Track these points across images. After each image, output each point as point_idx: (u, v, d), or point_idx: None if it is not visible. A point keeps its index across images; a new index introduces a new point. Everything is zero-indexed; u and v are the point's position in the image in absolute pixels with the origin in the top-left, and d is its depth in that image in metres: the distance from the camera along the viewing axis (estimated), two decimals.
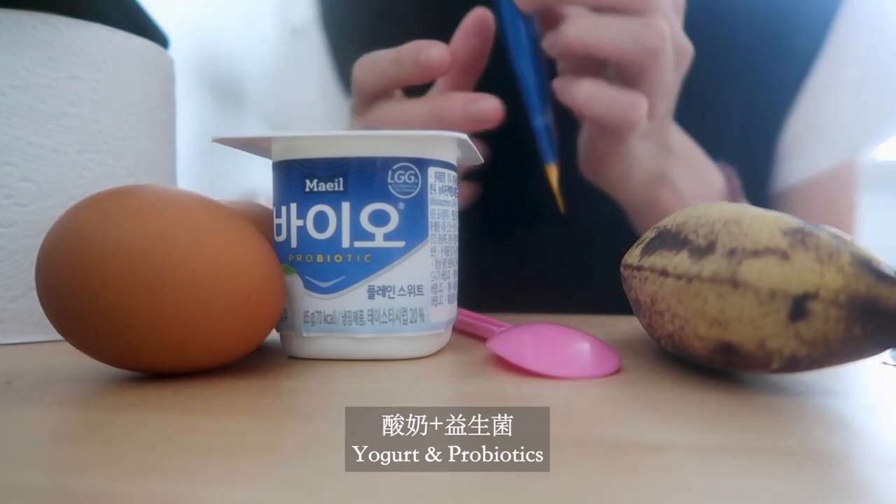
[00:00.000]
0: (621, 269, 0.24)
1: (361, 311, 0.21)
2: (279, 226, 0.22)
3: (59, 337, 0.18)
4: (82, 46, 0.28)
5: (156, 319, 0.17)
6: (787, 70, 0.43)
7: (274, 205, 0.22)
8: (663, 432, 0.14)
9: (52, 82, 0.27)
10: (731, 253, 0.17)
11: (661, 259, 0.20)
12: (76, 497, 0.10)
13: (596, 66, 0.31)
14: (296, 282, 0.21)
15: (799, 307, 0.15)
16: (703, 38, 0.35)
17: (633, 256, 0.23)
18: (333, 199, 0.21)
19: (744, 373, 0.20)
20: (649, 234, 0.23)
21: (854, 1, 0.43)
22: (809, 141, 0.45)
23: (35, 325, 0.27)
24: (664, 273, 0.19)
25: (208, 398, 0.17)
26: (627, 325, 0.32)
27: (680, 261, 0.19)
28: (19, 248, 0.27)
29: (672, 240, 0.20)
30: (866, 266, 0.15)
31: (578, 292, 0.43)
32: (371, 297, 0.21)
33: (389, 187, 0.21)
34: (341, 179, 0.21)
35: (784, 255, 0.16)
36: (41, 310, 0.18)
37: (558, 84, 0.30)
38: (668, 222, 0.22)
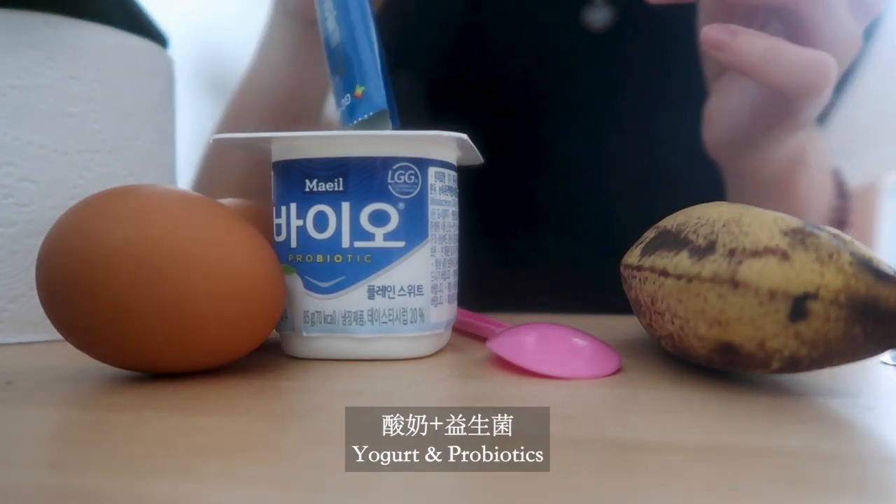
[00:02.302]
0: (621, 269, 0.24)
1: (361, 311, 0.21)
2: (279, 226, 0.22)
3: (59, 337, 0.18)
4: (82, 46, 0.28)
5: (156, 319, 0.17)
6: None
7: (274, 205, 0.22)
8: (663, 432, 0.14)
9: (52, 82, 0.27)
10: (732, 253, 0.17)
11: (661, 259, 0.20)
12: (76, 497, 0.10)
13: (748, 15, 0.26)
14: (296, 282, 0.21)
15: (799, 307, 0.15)
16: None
17: (633, 256, 0.23)
18: (333, 199, 0.21)
19: (744, 373, 0.20)
20: (649, 234, 0.23)
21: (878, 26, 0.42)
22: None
23: (35, 325, 0.27)
24: (664, 273, 0.19)
25: (208, 398, 0.17)
26: (627, 325, 0.32)
27: (680, 261, 0.19)
28: (19, 248, 0.27)
29: (672, 240, 0.20)
30: (866, 266, 0.15)
31: (578, 292, 0.43)
32: (371, 297, 0.21)
33: (389, 187, 0.21)
34: (341, 179, 0.21)
35: (784, 256, 0.16)
36: (41, 310, 0.18)
37: (715, 34, 0.24)
38: (667, 222, 0.22)
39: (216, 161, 0.52)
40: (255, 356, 0.23)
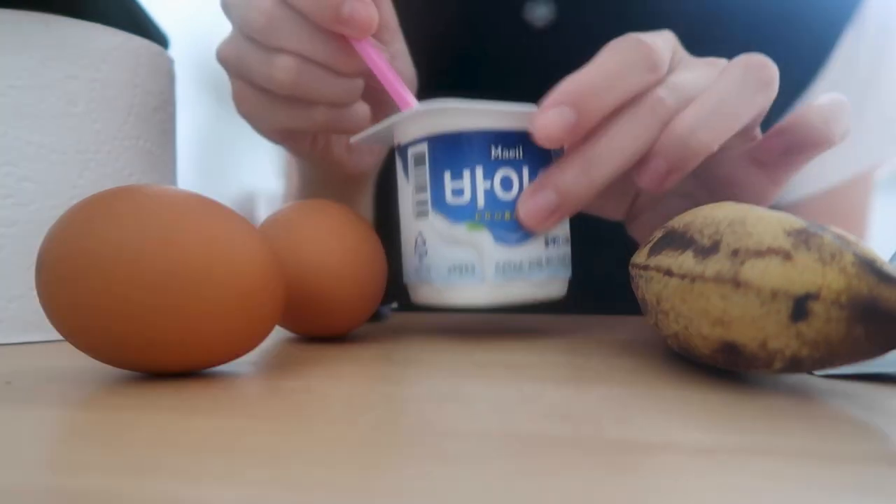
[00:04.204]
0: (630, 268, 0.24)
1: (540, 257, 0.25)
2: (460, 189, 0.24)
3: (59, 337, 0.18)
4: (82, 46, 0.28)
5: (156, 319, 0.17)
6: (790, 81, 0.42)
7: (443, 171, 0.24)
8: (663, 432, 0.14)
9: (52, 82, 0.27)
10: (735, 253, 0.17)
11: (667, 259, 0.20)
12: (76, 497, 0.10)
13: None
14: (484, 237, 0.24)
15: (800, 307, 0.15)
16: (704, 43, 0.35)
17: (641, 256, 0.23)
18: (515, 165, 0.24)
19: (747, 372, 0.20)
20: (657, 234, 0.23)
21: (864, 8, 0.42)
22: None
23: (35, 325, 0.27)
24: (669, 273, 0.19)
25: (208, 398, 0.17)
26: (631, 325, 0.32)
27: (684, 260, 0.19)
28: (19, 248, 0.27)
29: (678, 239, 0.20)
30: (869, 267, 0.15)
31: (586, 292, 0.43)
32: (546, 245, 0.25)
33: (551, 154, 0.25)
34: (520, 147, 0.24)
35: (786, 256, 0.16)
36: (41, 310, 0.18)
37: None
38: (675, 222, 0.22)
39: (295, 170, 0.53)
40: (255, 356, 0.23)
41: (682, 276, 0.18)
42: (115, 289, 0.17)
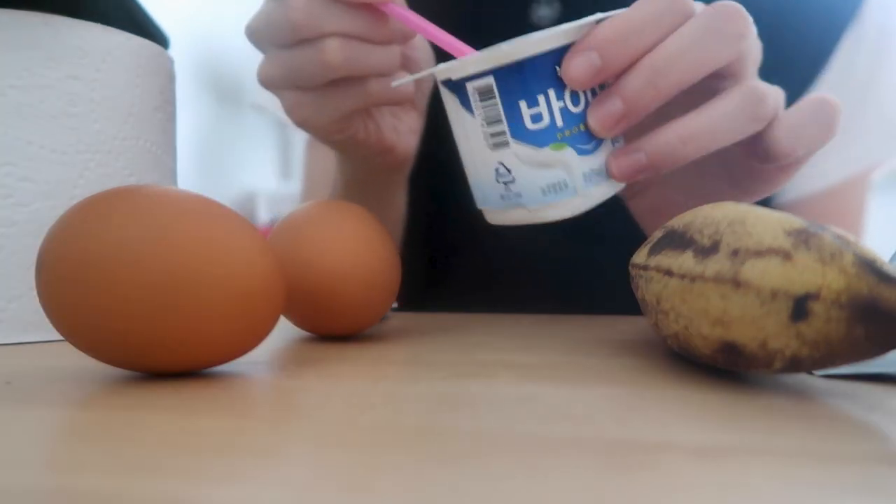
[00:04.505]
0: (630, 268, 0.24)
1: (610, 162, 0.26)
2: (538, 114, 0.25)
3: (59, 337, 0.18)
4: (82, 46, 0.28)
5: (156, 319, 0.17)
6: (790, 82, 0.42)
7: (518, 101, 0.25)
8: (663, 432, 0.14)
9: (52, 82, 0.27)
10: (735, 253, 0.17)
11: (667, 259, 0.20)
12: (76, 497, 0.10)
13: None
14: (569, 153, 0.25)
15: (800, 307, 0.15)
16: None
17: (641, 256, 0.23)
18: None
19: (747, 372, 0.20)
20: (658, 234, 0.23)
21: (863, 10, 0.42)
22: (818, 152, 0.44)
23: (35, 325, 0.27)
24: (669, 273, 0.19)
25: (208, 398, 0.17)
26: (631, 325, 0.32)
27: (684, 261, 0.19)
28: (19, 248, 0.27)
29: (678, 240, 0.20)
30: (869, 267, 0.15)
31: (586, 292, 0.43)
32: (613, 145, 0.26)
33: None
34: None
35: (786, 256, 0.16)
36: (41, 310, 0.18)
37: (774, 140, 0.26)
38: (675, 222, 0.22)
39: (315, 168, 0.54)
40: (255, 356, 0.23)
41: (682, 276, 0.18)
42: (114, 289, 0.17)
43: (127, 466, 0.12)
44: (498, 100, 0.25)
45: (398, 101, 0.32)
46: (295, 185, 2.64)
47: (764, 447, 0.13)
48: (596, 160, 0.26)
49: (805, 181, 0.44)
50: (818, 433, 0.14)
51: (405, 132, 0.36)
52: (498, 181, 0.26)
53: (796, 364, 0.16)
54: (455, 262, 0.49)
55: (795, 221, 0.17)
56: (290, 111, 0.31)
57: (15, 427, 0.15)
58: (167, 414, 0.15)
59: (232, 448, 0.13)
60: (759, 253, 0.16)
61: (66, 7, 0.28)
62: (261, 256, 0.19)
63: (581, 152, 0.25)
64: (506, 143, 0.25)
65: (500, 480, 0.11)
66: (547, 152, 0.25)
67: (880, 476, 0.11)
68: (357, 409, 0.16)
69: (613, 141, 0.26)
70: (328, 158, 0.54)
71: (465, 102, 0.26)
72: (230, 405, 0.16)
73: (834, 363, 0.15)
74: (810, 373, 0.20)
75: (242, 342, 0.19)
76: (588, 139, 0.25)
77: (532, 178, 0.25)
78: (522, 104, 0.25)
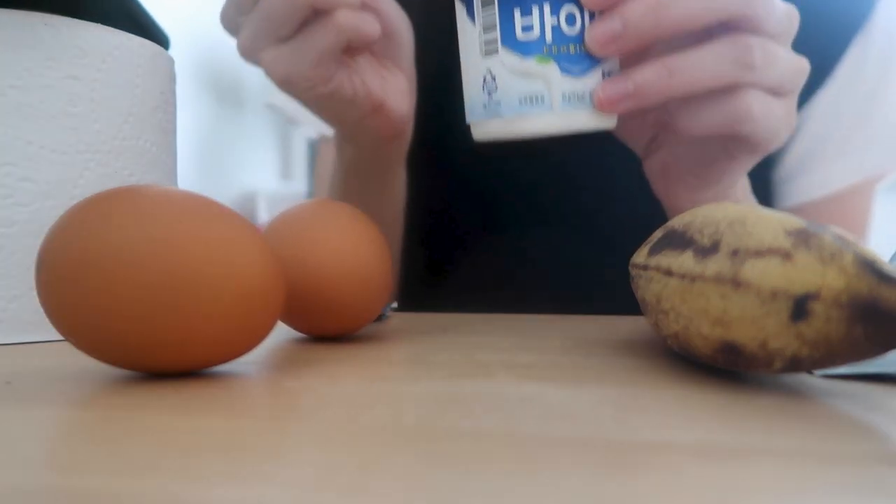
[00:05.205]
0: (630, 268, 0.24)
1: (597, 89, 0.26)
2: (530, 26, 0.25)
3: (59, 337, 0.18)
4: (82, 46, 0.28)
5: (156, 319, 0.17)
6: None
7: (513, 8, 0.26)
8: (663, 432, 0.14)
9: (52, 82, 0.27)
10: (735, 253, 0.17)
11: (667, 258, 0.20)
12: (76, 497, 0.10)
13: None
14: (552, 69, 0.26)
15: (800, 307, 0.15)
16: None
17: (641, 256, 0.23)
18: (578, 2, 0.26)
19: (747, 372, 0.20)
20: (657, 234, 0.23)
21: (872, 17, 0.42)
22: (822, 159, 0.44)
23: (35, 325, 0.27)
24: (669, 273, 0.19)
25: (208, 398, 0.17)
26: (631, 325, 0.32)
27: (684, 260, 0.19)
28: (19, 248, 0.27)
29: (678, 239, 0.20)
30: (869, 267, 0.15)
31: (586, 292, 0.43)
32: (602, 77, 0.26)
33: None
34: None
35: (786, 256, 0.16)
36: (41, 310, 0.18)
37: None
38: (675, 222, 0.22)
39: (326, 167, 0.54)
40: (255, 356, 0.23)
41: (682, 276, 0.18)
42: (115, 289, 0.17)
43: (127, 466, 0.12)
44: (496, 6, 0.26)
45: (369, 36, 0.31)
46: (295, 186, 2.64)
47: (764, 447, 0.13)
48: (580, 84, 0.26)
49: (809, 187, 0.44)
50: (818, 433, 0.14)
51: (393, 91, 0.36)
52: (483, 89, 0.27)
53: (796, 364, 0.16)
54: (455, 261, 0.49)
55: (795, 221, 0.17)
56: (272, 70, 0.31)
57: (15, 427, 0.15)
58: (167, 414, 0.15)
59: (232, 448, 0.13)
60: (759, 253, 0.16)
61: (66, 7, 0.28)
62: (261, 257, 0.19)
63: (565, 71, 0.26)
64: (495, 51, 0.26)
65: (500, 480, 0.11)
66: (531, 63, 0.26)
67: (880, 476, 0.11)
68: (357, 409, 0.16)
69: (604, 74, 0.27)
70: None
71: (470, 10, 0.27)
72: (230, 405, 0.16)
73: (834, 363, 0.15)
74: (810, 373, 0.20)
75: (242, 342, 0.19)
76: (577, 62, 0.26)
77: (512, 86, 0.26)
78: (517, 12, 0.26)
